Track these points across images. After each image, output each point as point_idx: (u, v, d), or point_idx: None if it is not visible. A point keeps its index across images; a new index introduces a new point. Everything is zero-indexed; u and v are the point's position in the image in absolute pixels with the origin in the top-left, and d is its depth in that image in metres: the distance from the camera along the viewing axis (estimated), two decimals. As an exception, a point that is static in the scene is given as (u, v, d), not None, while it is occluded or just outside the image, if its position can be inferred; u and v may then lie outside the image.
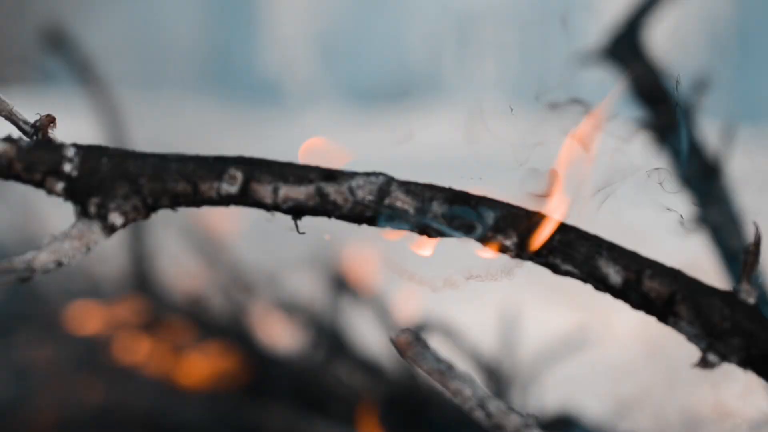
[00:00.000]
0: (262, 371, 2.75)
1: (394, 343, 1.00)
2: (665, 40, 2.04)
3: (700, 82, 1.94)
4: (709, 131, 1.89)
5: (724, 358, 1.04)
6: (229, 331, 2.83)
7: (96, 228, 1.07)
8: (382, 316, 2.64)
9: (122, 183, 1.07)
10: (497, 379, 2.31)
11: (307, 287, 2.93)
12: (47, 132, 1.10)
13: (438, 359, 1.00)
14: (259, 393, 2.70)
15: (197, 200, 1.10)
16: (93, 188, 1.07)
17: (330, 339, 2.79)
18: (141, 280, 2.80)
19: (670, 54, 2.02)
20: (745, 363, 1.04)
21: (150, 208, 1.09)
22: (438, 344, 2.31)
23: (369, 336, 2.71)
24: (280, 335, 2.88)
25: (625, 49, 2.01)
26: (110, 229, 1.07)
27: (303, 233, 1.13)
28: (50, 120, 1.10)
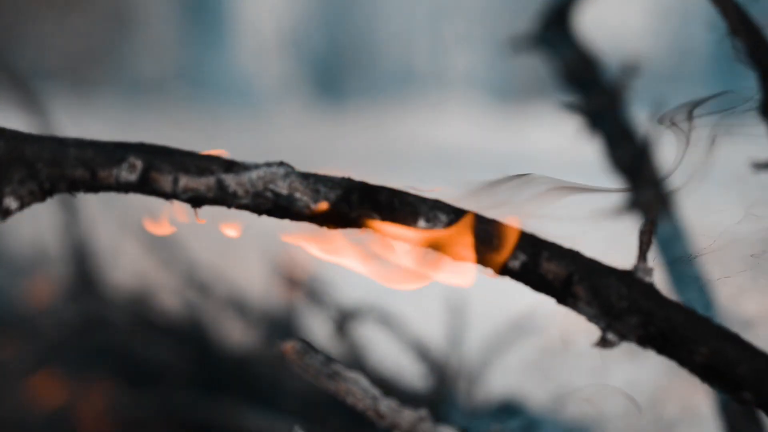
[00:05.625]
0: (213, 368, 2.74)
1: (282, 352, 1.00)
2: (597, 24, 2.04)
3: (630, 65, 1.95)
4: (639, 115, 1.90)
5: (623, 337, 1.05)
6: (180, 328, 2.82)
7: (-10, 211, 1.07)
8: (330, 310, 2.64)
9: (19, 167, 1.07)
10: (443, 369, 2.31)
11: (259, 283, 2.92)
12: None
13: (326, 363, 1.00)
14: (211, 389, 2.70)
15: (95, 186, 1.09)
16: (-12, 171, 1.06)
17: (281, 334, 2.78)
18: (84, 280, 2.79)
19: (601, 38, 2.03)
20: (644, 341, 1.05)
21: (47, 193, 1.09)
22: (381, 335, 2.30)
23: (320, 330, 2.71)
24: (232, 332, 2.88)
25: (556, 34, 2.01)
26: (5, 213, 1.07)
27: (203, 222, 1.13)
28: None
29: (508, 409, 2.15)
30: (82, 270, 2.81)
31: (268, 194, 1.09)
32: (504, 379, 2.36)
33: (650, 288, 1.04)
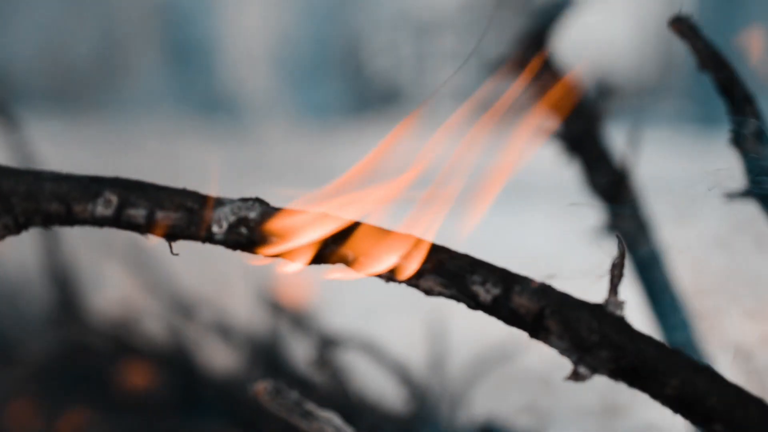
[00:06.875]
0: (197, 392, 2.74)
1: (254, 392, 1.01)
2: (575, 49, 2.05)
3: (608, 89, 1.96)
4: (616, 137, 1.91)
5: (595, 370, 1.05)
6: (163, 353, 2.82)
7: (-35, 245, 1.07)
8: (315, 335, 2.63)
9: (-7, 200, 1.07)
10: (425, 394, 2.31)
11: (243, 308, 2.92)
12: None
13: (299, 403, 1.01)
14: (195, 414, 2.69)
15: (70, 220, 1.10)
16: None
17: (266, 359, 2.78)
18: (66, 306, 2.78)
19: (579, 62, 2.03)
20: (615, 374, 1.05)
21: (21, 227, 1.09)
22: (362, 361, 2.30)
23: (304, 356, 2.71)
24: (216, 357, 2.87)
25: (534, 58, 2.01)
26: (-21, 245, 1.07)
27: (177, 254, 1.13)
28: None
29: (490, 434, 2.15)
30: (65, 296, 2.81)
31: (243, 230, 1.09)
32: (486, 402, 2.36)
33: (621, 322, 1.05)
